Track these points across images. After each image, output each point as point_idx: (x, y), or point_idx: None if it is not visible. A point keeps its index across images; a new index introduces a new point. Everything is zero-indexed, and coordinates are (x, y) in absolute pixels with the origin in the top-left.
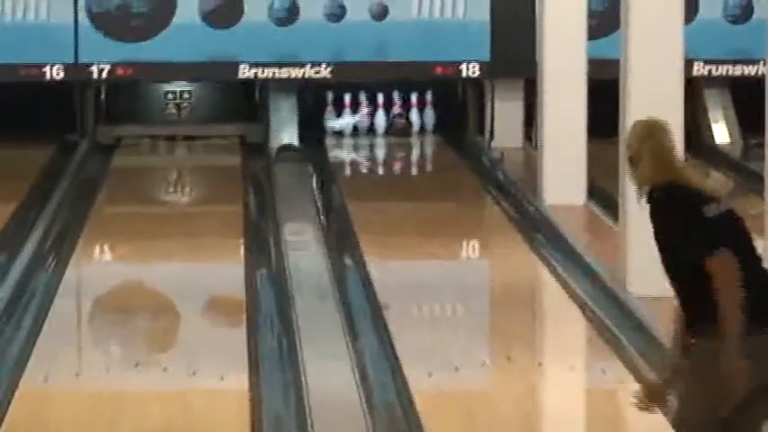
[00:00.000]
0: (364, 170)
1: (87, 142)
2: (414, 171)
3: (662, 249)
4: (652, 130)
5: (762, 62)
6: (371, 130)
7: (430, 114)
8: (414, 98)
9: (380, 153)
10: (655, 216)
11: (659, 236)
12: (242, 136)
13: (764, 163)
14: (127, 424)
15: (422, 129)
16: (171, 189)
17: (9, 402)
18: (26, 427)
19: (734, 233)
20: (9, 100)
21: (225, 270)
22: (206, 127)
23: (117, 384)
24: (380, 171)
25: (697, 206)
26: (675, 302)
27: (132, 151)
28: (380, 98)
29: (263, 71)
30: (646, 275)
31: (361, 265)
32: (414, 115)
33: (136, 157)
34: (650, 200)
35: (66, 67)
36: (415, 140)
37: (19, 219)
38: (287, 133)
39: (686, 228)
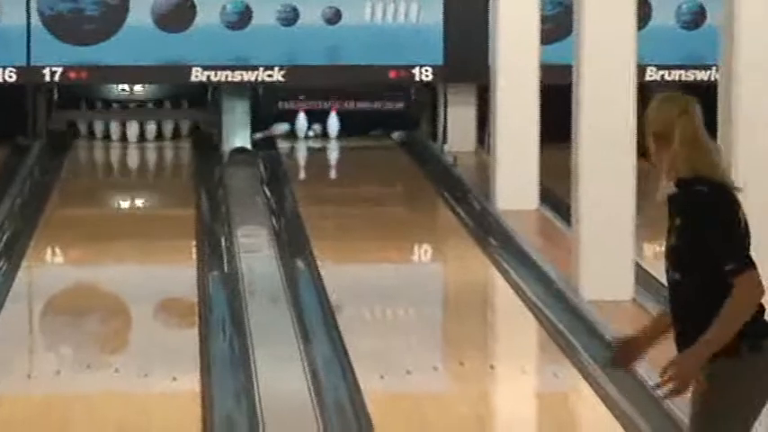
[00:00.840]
0: (317, 174)
1: (39, 144)
2: (366, 174)
3: (686, 243)
4: (686, 107)
5: (714, 67)
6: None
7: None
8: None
9: (333, 156)
10: (694, 209)
11: (693, 229)
12: (196, 126)
13: None
14: (79, 425)
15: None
16: (123, 192)
17: None
18: None
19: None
20: None
21: (177, 272)
22: (159, 111)
23: (68, 386)
24: (333, 175)
25: (736, 208)
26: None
27: (85, 154)
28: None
29: (215, 74)
30: (598, 280)
31: (313, 267)
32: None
33: (88, 159)
34: (689, 190)
35: (19, 70)
36: (366, 143)
37: None
38: (239, 136)
39: (727, 230)
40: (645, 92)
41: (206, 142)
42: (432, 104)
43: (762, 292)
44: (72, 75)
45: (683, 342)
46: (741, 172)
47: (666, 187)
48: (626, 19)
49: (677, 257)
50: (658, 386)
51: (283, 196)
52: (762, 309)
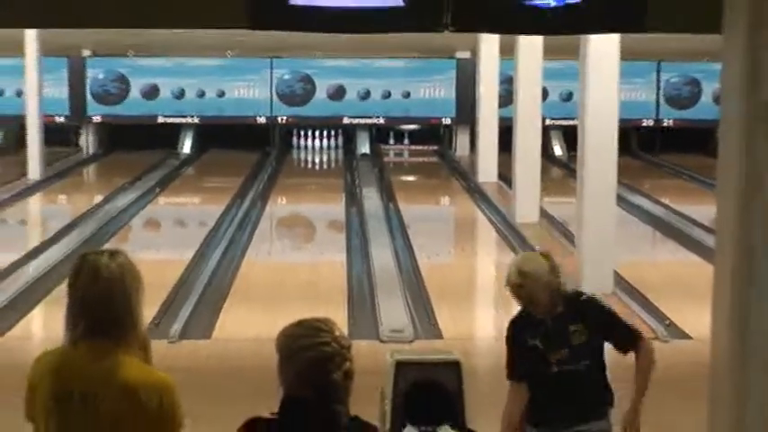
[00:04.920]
0: (400, 164)
1: (275, 150)
2: (421, 166)
3: (593, 336)
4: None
5: (576, 118)
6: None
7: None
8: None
9: (406, 156)
10: (595, 311)
11: (600, 324)
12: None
13: (577, 163)
14: (291, 277)
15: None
16: (311, 171)
17: (238, 268)
18: (246, 282)
19: None
20: (244, 133)
21: (334, 207)
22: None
23: (281, 259)
24: (405, 165)
25: None
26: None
27: (296, 155)
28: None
29: (354, 120)
30: (522, 212)
31: (395, 204)
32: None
33: (297, 156)
34: (579, 300)
35: (266, 118)
36: (423, 152)
37: (244, 185)
38: (364, 147)
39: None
40: (546, 131)
41: (349, 149)
42: (448, 134)
43: None
44: (290, 120)
45: (591, 406)
46: (587, 165)
47: (552, 311)
48: (535, 97)
49: (586, 350)
50: None
51: (383, 172)
52: None
